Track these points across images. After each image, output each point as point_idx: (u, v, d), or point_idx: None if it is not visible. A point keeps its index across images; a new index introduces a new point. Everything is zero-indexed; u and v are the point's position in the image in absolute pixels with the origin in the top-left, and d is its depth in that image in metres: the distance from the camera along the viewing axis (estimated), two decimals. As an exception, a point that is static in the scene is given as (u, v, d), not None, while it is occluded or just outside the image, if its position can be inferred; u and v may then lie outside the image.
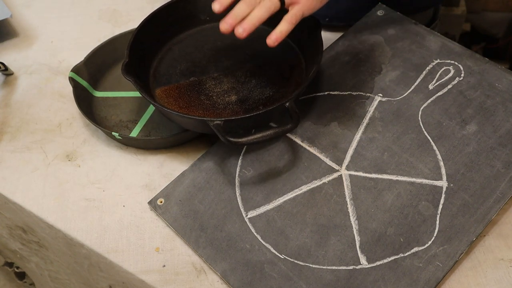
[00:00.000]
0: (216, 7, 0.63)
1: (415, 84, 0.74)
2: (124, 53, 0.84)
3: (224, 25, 0.62)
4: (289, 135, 0.71)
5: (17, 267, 0.94)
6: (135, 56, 0.72)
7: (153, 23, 0.77)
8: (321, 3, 0.66)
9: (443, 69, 0.75)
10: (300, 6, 0.64)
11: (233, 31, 0.62)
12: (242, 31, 0.62)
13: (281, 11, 0.64)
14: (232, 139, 0.61)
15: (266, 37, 0.79)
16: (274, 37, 0.62)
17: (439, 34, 0.80)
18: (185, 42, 0.81)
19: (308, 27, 0.74)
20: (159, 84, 0.75)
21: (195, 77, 0.75)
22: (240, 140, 0.61)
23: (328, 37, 0.88)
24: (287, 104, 0.64)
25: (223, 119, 0.63)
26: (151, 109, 0.79)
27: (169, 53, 0.79)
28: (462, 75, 0.74)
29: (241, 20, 0.62)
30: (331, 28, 0.93)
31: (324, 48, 0.80)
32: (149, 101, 0.67)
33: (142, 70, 0.75)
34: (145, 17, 0.77)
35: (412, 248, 0.60)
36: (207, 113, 0.71)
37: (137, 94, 0.81)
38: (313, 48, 0.71)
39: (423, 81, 0.75)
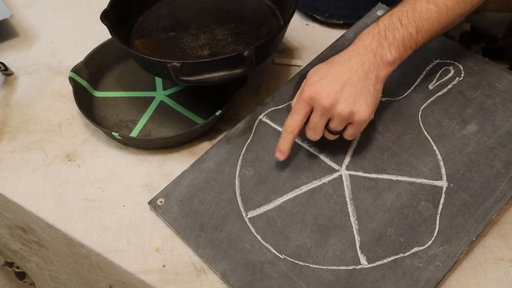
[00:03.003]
0: (279, 157, 0.65)
1: (415, 84, 0.74)
2: (124, 53, 0.84)
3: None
4: (289, 135, 0.71)
5: (17, 267, 0.94)
6: (119, 8, 0.75)
7: None
8: (374, 110, 0.62)
9: (443, 69, 0.75)
10: (355, 127, 0.62)
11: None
12: None
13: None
14: (183, 77, 0.63)
15: (252, 2, 0.82)
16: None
17: (439, 34, 0.80)
18: (174, 3, 0.83)
19: None
20: (139, 36, 0.78)
21: (175, 33, 0.77)
22: (189, 78, 0.63)
23: (328, 36, 0.88)
24: (246, 53, 0.64)
25: (180, 61, 0.64)
26: (151, 109, 0.79)
27: (157, 11, 0.82)
28: (462, 75, 0.74)
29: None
30: (331, 27, 0.93)
31: (324, 48, 0.81)
32: (118, 42, 0.70)
33: (125, 23, 0.78)
34: None
35: (412, 248, 0.60)
36: None
37: (137, 94, 0.81)
38: (290, 9, 0.73)
39: (423, 81, 0.75)
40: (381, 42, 0.61)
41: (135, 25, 0.80)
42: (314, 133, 0.63)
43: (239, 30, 0.77)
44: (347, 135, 0.63)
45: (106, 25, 0.71)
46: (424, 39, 0.63)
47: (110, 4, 0.75)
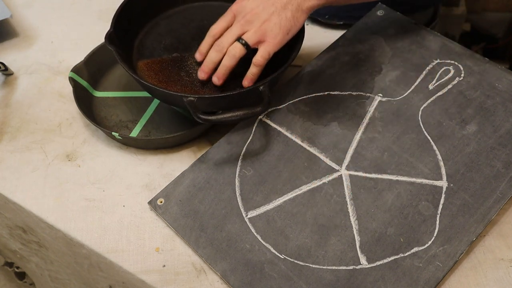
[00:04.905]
0: (198, 57, 0.72)
1: (415, 84, 0.74)
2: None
3: (201, 74, 0.70)
4: (289, 135, 0.71)
5: (17, 267, 0.94)
6: (121, 27, 0.74)
7: None
8: (288, 36, 0.67)
9: (443, 69, 0.75)
10: (265, 45, 0.66)
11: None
12: (217, 80, 0.69)
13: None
14: (202, 116, 0.63)
15: None
16: (247, 81, 0.68)
17: (439, 34, 0.80)
18: (172, 18, 0.82)
19: None
20: (142, 56, 0.76)
21: (178, 53, 0.76)
22: (209, 118, 0.63)
23: (328, 36, 0.88)
24: (261, 87, 0.65)
25: (196, 96, 0.64)
26: (151, 109, 0.79)
27: (156, 27, 0.81)
28: (462, 75, 0.74)
29: (214, 66, 0.69)
30: (331, 27, 0.93)
31: (324, 48, 0.81)
32: (129, 73, 0.68)
33: (126, 41, 0.76)
34: None
35: (412, 248, 0.60)
36: (184, 89, 0.72)
37: (137, 94, 0.81)
38: (296, 36, 0.72)
39: (423, 81, 0.75)
40: None
41: (135, 44, 0.78)
42: (226, 39, 0.67)
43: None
44: (261, 52, 0.66)
45: (112, 50, 0.70)
46: None
47: (112, 26, 0.73)
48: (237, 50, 0.66)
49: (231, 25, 0.68)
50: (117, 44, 0.72)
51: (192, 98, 0.64)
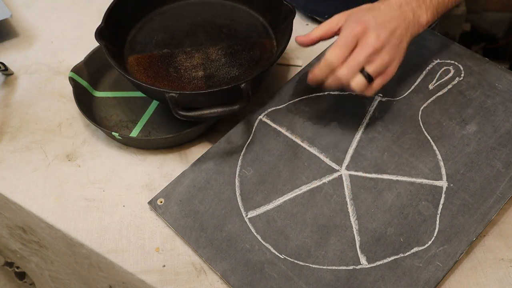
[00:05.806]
0: (312, 83, 0.64)
1: (415, 84, 0.74)
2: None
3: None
4: (289, 135, 0.71)
5: (17, 267, 0.94)
6: (114, 22, 0.74)
7: None
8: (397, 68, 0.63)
9: (443, 69, 0.75)
10: (383, 78, 0.62)
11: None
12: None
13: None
14: (181, 112, 0.63)
15: (245, 18, 0.81)
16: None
17: (439, 34, 0.80)
18: (166, 14, 0.82)
19: (284, 12, 0.74)
20: (133, 52, 0.77)
21: (169, 49, 0.77)
22: (187, 114, 0.63)
23: (328, 37, 0.87)
24: (243, 85, 0.65)
25: (178, 92, 0.64)
26: (151, 109, 0.79)
27: (150, 23, 0.81)
28: (462, 75, 0.74)
29: (331, 72, 0.61)
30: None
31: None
32: (115, 68, 0.69)
33: (119, 36, 0.77)
34: None
35: (412, 248, 0.60)
36: (171, 85, 0.72)
37: (137, 94, 0.81)
38: (285, 35, 0.72)
39: (423, 81, 0.75)
40: (420, 4, 0.64)
41: (128, 39, 0.78)
42: (350, 71, 0.59)
43: (233, 50, 0.76)
44: (377, 84, 0.61)
45: (101, 45, 0.70)
46: (448, 7, 0.67)
47: (104, 20, 0.73)
48: (361, 87, 0.60)
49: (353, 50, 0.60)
50: (109, 39, 0.72)
51: (173, 94, 0.64)
